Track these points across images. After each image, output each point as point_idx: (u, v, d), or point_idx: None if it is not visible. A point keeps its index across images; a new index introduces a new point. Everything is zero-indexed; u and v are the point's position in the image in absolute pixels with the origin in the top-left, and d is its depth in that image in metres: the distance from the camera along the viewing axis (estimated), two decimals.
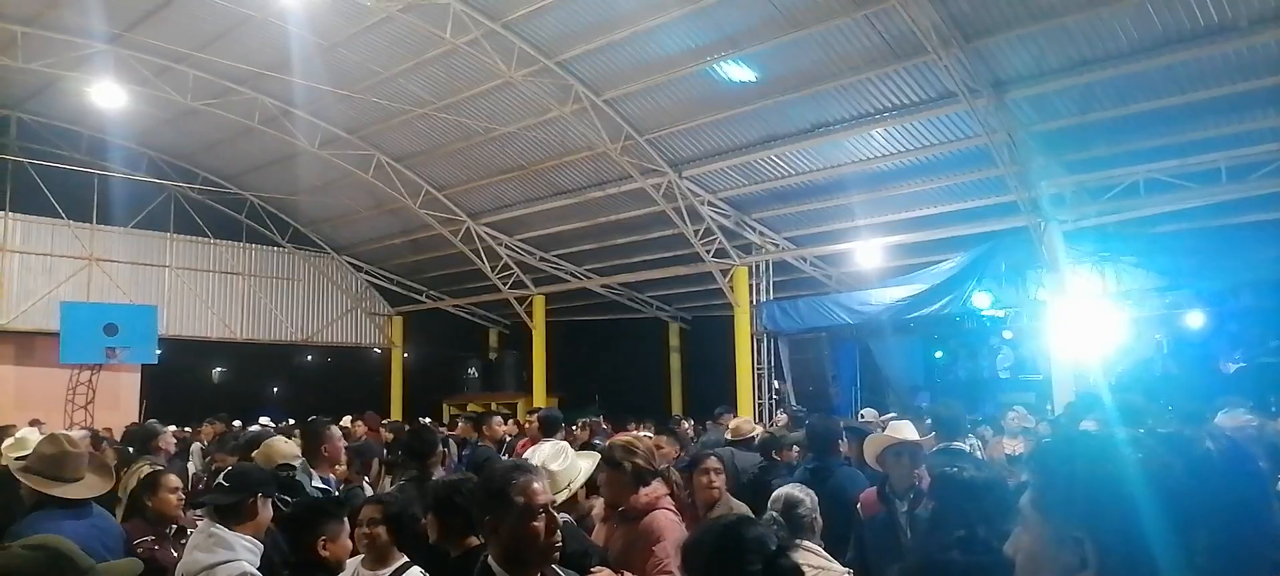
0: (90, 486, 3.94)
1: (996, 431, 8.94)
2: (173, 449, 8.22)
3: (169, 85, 15.41)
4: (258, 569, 3.47)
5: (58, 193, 18.75)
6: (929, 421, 8.30)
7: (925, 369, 18.08)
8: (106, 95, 15.21)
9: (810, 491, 3.90)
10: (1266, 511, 1.24)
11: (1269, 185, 11.34)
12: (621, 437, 4.08)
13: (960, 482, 3.05)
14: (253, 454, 5.51)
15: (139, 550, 4.25)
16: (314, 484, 5.14)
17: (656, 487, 3.78)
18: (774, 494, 3.78)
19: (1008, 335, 16.56)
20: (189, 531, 4.59)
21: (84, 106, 16.58)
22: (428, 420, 15.57)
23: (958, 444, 5.71)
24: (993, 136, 11.86)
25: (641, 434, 5.88)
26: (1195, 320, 13.97)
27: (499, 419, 10.46)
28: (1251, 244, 12.14)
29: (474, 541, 3.41)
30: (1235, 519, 1.19)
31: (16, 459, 4.42)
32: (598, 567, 3.32)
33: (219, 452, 7.43)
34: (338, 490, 5.39)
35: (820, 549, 3.61)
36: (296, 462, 5.26)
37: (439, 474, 5.13)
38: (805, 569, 3.29)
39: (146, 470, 5.49)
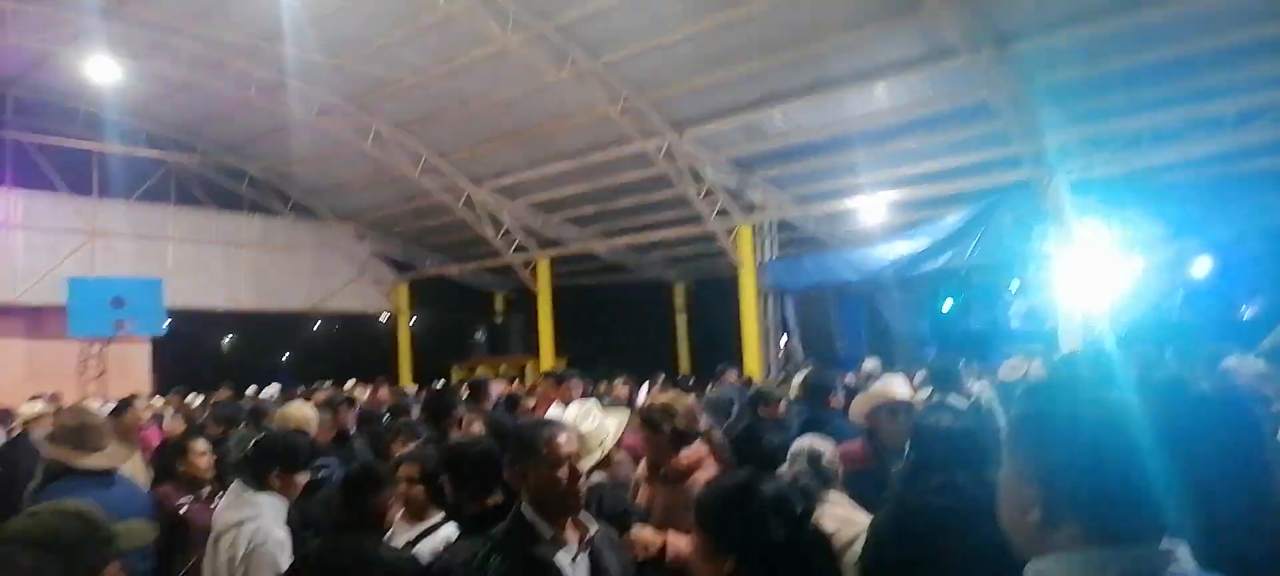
0: (112, 456, 4.03)
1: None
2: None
3: (164, 58, 15.29)
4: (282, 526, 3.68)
5: (58, 168, 18.71)
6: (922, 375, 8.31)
7: (933, 322, 18.06)
8: (101, 70, 15.10)
9: (829, 441, 3.83)
10: (1258, 450, 1.24)
11: (1275, 132, 11.21)
12: (661, 399, 4.05)
13: (939, 431, 3.03)
14: (267, 420, 5.67)
15: (180, 511, 4.41)
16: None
17: (698, 448, 3.79)
18: (795, 448, 3.72)
19: (1015, 286, 16.52)
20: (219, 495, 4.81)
21: (80, 81, 16.45)
22: (441, 383, 15.72)
23: (953, 397, 5.67)
24: (996, 91, 11.73)
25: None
26: (1203, 268, 13.93)
27: (499, 382, 10.61)
28: (1258, 192, 12.03)
29: (491, 501, 3.55)
30: (1223, 460, 1.19)
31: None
32: (639, 525, 3.38)
33: (213, 422, 7.57)
34: None
35: (846, 498, 3.58)
36: (312, 427, 5.43)
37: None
38: (832, 520, 3.29)
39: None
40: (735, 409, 9.03)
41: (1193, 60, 10.98)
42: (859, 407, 4.62)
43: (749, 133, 15.22)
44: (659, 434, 3.81)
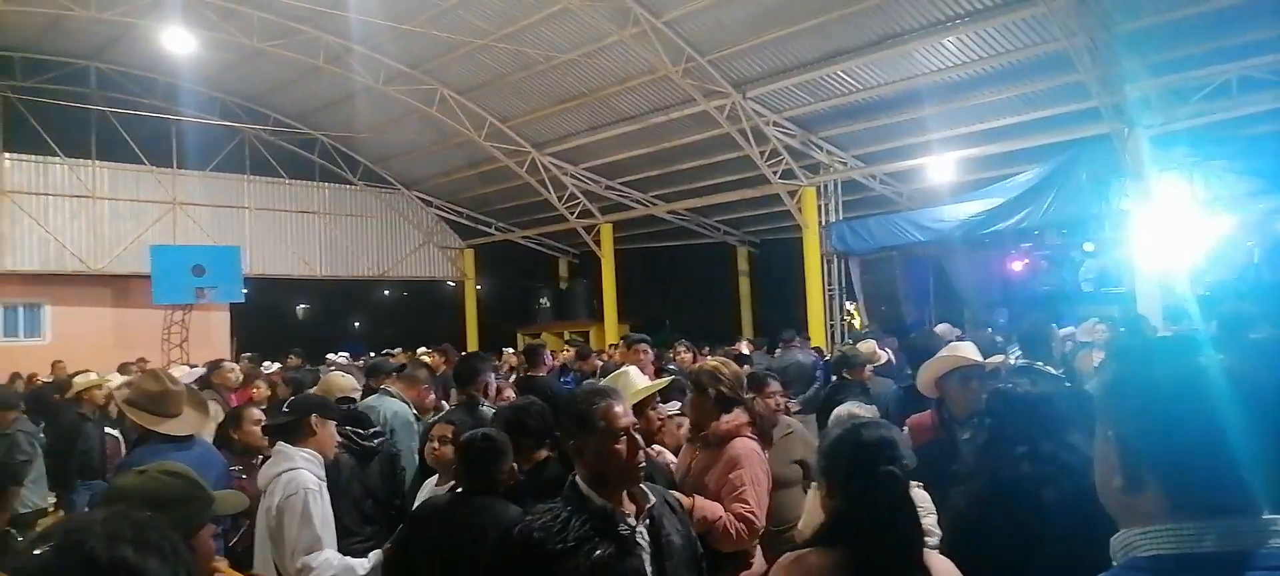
0: (189, 422, 4.15)
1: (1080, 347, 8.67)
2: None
3: (236, 28, 15.67)
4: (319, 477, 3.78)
5: (139, 139, 19.39)
6: (1000, 339, 8.06)
7: (1002, 284, 17.59)
8: (177, 40, 15.56)
9: (871, 409, 3.74)
10: None
11: None
12: (709, 362, 4.04)
13: (1016, 398, 2.94)
14: (313, 388, 5.82)
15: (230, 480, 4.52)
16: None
17: (738, 415, 3.75)
18: (835, 415, 3.67)
19: (1089, 247, 15.97)
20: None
21: (157, 54, 17.00)
22: (507, 350, 15.92)
23: (1041, 364, 5.37)
24: (1073, 40, 11.26)
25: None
26: None
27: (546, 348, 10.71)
28: None
29: (541, 454, 3.69)
30: None
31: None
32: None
33: (285, 386, 7.84)
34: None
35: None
36: (355, 394, 5.54)
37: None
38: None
39: None
40: (819, 377, 8.97)
41: None
42: (928, 374, 4.29)
43: (813, 91, 14.96)
44: (705, 397, 3.79)
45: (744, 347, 12.05)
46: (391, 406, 5.57)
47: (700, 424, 3.82)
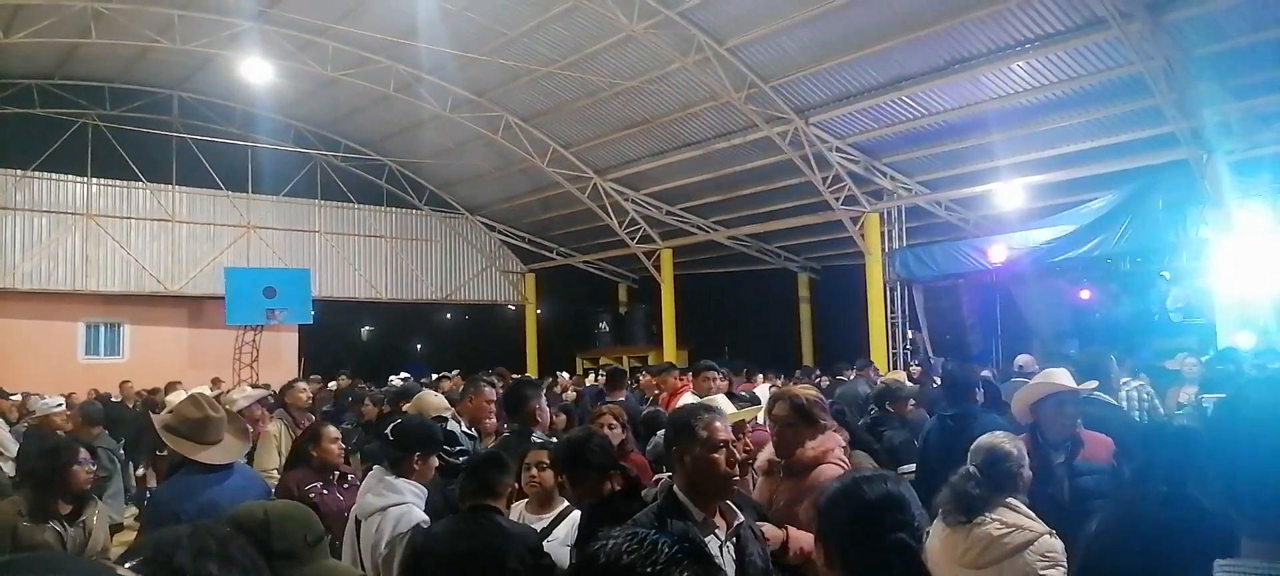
0: (228, 449, 4.05)
1: (1163, 379, 8.38)
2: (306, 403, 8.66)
3: (311, 58, 16.18)
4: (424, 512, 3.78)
5: (216, 165, 20.09)
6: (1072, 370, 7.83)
7: (1073, 314, 17.12)
8: (255, 71, 16.11)
9: (1019, 442, 3.58)
10: None
11: None
12: (789, 389, 3.97)
13: (1174, 434, 2.84)
14: (406, 406, 5.81)
15: (310, 496, 4.58)
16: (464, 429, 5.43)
17: (825, 440, 3.63)
18: (975, 444, 3.50)
19: (1166, 276, 15.47)
20: (350, 478, 4.95)
21: (235, 82, 17.64)
22: (563, 374, 16.02)
23: (1100, 395, 5.29)
24: (1148, 63, 10.98)
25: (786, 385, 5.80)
26: None
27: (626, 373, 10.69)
28: None
29: (607, 487, 3.62)
30: None
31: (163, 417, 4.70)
32: (763, 524, 3.30)
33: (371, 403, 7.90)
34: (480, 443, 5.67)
35: (1024, 504, 3.30)
36: (448, 413, 5.55)
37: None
38: (999, 524, 3.15)
39: None
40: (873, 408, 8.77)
41: None
42: (1023, 400, 4.35)
43: (877, 116, 14.84)
44: (788, 424, 3.68)
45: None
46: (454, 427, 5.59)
47: (783, 452, 3.71)
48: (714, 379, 7.00)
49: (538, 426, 5.33)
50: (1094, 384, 4.62)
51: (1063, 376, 4.32)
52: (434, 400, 5.81)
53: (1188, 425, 2.89)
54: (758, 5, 12.87)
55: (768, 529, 3.16)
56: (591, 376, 17.47)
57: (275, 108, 19.74)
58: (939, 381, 9.08)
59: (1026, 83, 12.87)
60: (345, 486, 4.89)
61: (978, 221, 16.89)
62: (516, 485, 3.51)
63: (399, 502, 3.73)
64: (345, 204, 22.40)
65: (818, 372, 13.25)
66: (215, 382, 13.75)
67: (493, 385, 6.75)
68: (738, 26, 13.53)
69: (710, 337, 21.64)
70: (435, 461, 4.06)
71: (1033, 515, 3.22)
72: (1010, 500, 3.22)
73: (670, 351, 20.15)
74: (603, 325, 24.98)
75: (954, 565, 3.18)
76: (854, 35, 12.92)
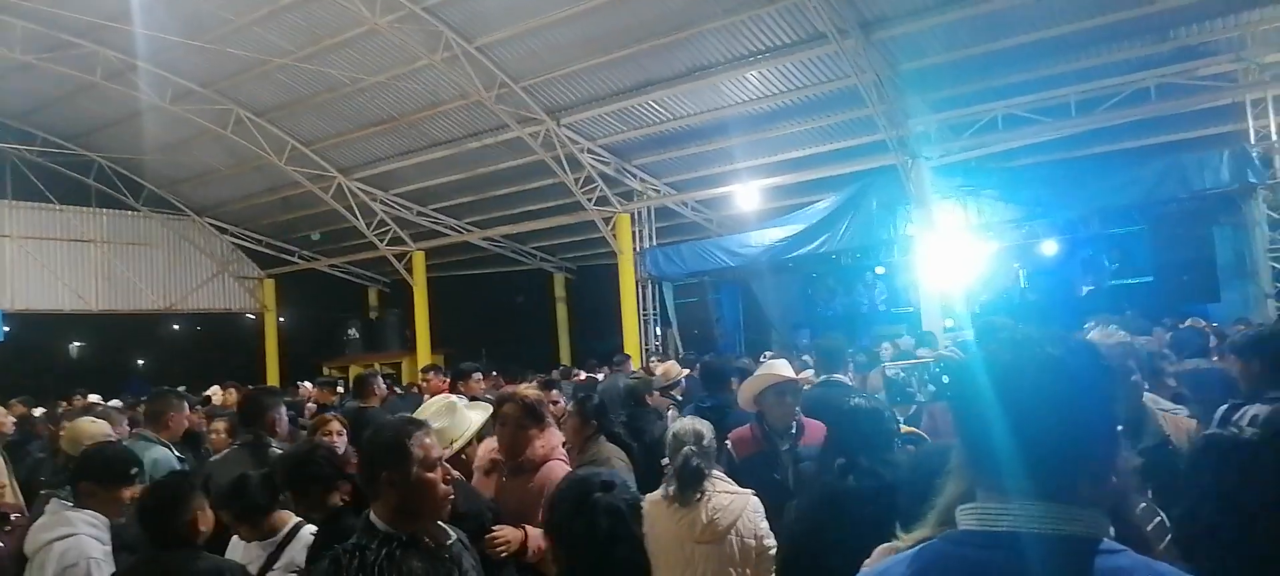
0: None
1: (872, 363, 9.25)
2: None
3: None
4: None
5: None
6: (806, 357, 8.54)
7: (805, 306, 18.60)
8: None
9: (706, 422, 3.80)
10: (1102, 404, 1.28)
11: (1112, 117, 12.09)
12: (509, 390, 3.98)
13: (843, 412, 3.10)
14: (62, 435, 5.17)
15: None
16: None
17: (551, 437, 3.71)
18: (678, 428, 3.66)
19: (880, 270, 17.22)
20: (12, 518, 4.43)
21: None
22: (305, 383, 15.05)
23: (838, 376, 5.80)
24: (862, 76, 12.11)
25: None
26: (1050, 249, 14.87)
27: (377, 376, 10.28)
28: (1098, 174, 12.89)
29: (334, 499, 3.46)
30: (1063, 414, 1.24)
31: None
32: (499, 526, 3.27)
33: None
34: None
35: (724, 475, 3.62)
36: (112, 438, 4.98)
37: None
38: (723, 493, 3.42)
39: None
40: None
41: (1039, 47, 11.68)
42: (748, 391, 4.58)
43: (626, 119, 15.26)
44: (516, 425, 3.73)
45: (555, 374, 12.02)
46: (153, 452, 4.91)
47: (510, 452, 3.75)
48: (479, 381, 6.97)
49: (277, 436, 5.00)
50: (810, 374, 5.03)
51: (783, 367, 4.63)
52: (90, 428, 5.13)
53: (869, 404, 3.18)
54: (506, 5, 12.80)
55: (506, 530, 3.15)
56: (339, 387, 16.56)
57: None
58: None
59: (760, 91, 13.77)
60: (6, 530, 4.30)
61: (721, 221, 17.87)
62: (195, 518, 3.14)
63: (68, 534, 3.31)
64: (44, 204, 19.71)
65: (577, 371, 13.43)
66: None
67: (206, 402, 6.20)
68: (486, 25, 13.37)
69: (467, 340, 21.26)
70: (129, 492, 3.58)
71: (732, 482, 3.60)
72: (716, 472, 3.56)
73: (425, 356, 19.57)
74: (352, 332, 23.80)
75: (689, 543, 3.34)
76: (602, 39, 13.19)
